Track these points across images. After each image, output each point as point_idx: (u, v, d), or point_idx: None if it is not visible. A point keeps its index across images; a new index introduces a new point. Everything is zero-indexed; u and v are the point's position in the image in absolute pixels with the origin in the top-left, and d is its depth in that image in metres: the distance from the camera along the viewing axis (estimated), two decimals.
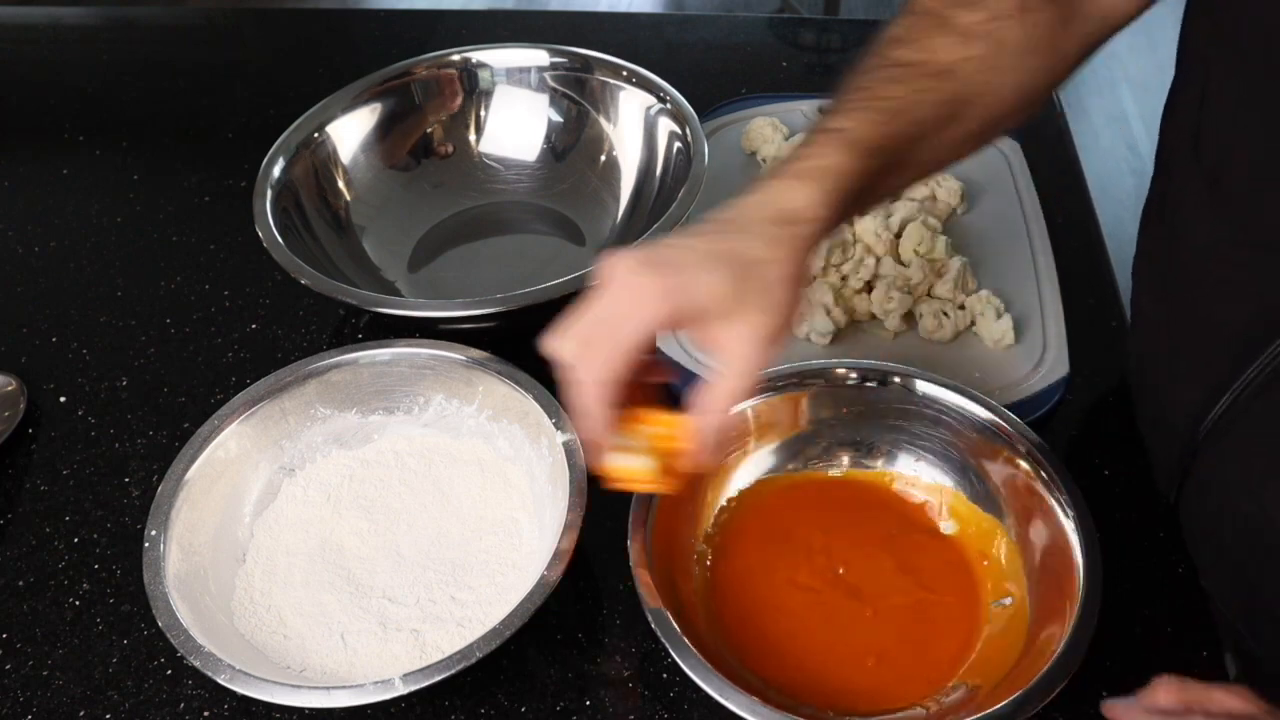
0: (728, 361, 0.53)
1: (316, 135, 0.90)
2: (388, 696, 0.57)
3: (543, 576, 0.60)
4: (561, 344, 0.54)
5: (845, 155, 0.55)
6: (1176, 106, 0.63)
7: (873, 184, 0.57)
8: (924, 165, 0.62)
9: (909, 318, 0.81)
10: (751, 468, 0.71)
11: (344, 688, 0.57)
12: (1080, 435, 0.76)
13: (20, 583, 0.71)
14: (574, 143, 0.95)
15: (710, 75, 1.09)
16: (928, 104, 0.58)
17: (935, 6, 0.61)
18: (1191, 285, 0.62)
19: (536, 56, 0.96)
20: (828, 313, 0.79)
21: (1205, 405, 0.60)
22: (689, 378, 0.78)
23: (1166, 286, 0.65)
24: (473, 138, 0.97)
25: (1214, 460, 0.61)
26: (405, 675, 0.57)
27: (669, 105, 0.90)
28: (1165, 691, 0.52)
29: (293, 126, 0.90)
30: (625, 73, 0.93)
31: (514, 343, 0.78)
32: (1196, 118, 0.59)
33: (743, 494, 0.70)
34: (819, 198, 0.54)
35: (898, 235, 0.84)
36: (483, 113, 0.97)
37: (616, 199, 0.93)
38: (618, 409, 0.54)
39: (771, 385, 0.70)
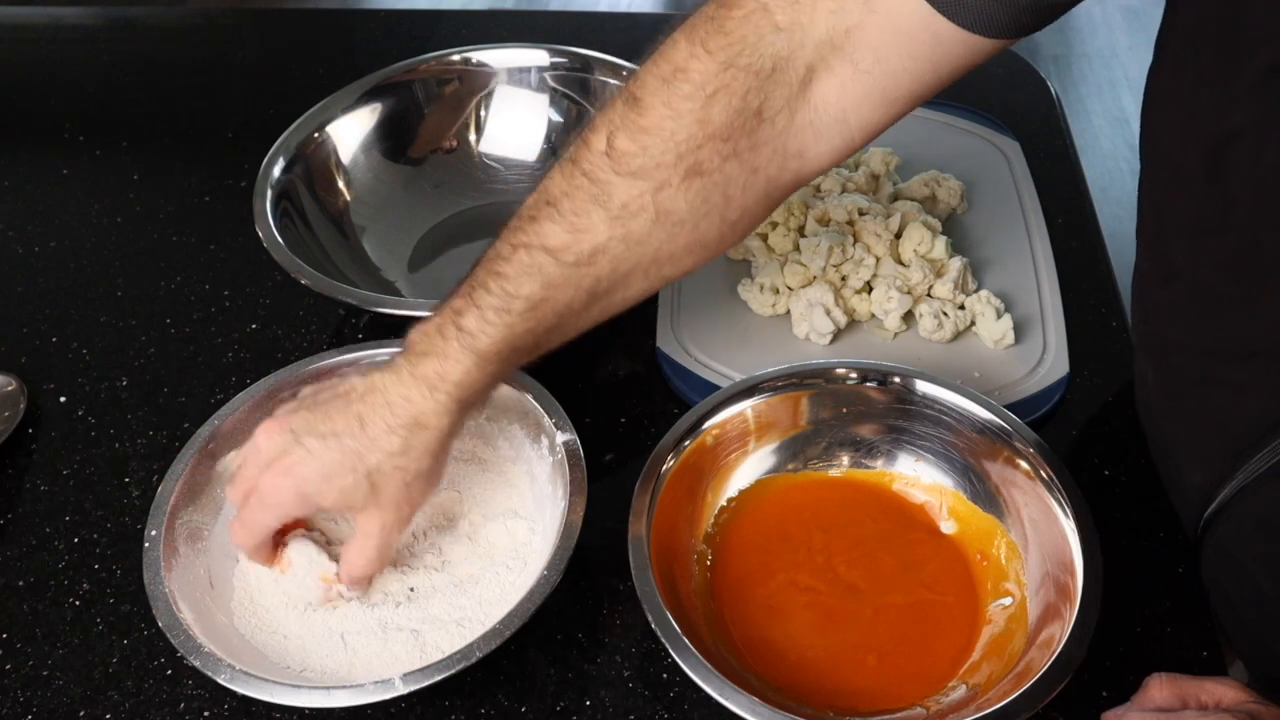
0: (359, 535, 0.61)
1: (316, 135, 0.90)
2: (388, 696, 0.57)
3: (542, 576, 0.60)
4: (229, 491, 0.63)
5: (472, 366, 0.58)
6: (1144, 207, 0.60)
7: (505, 372, 0.60)
8: (577, 332, 0.62)
9: (909, 318, 0.81)
10: (751, 468, 0.71)
11: (344, 688, 0.57)
12: (1080, 435, 0.76)
13: (20, 583, 0.71)
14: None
15: None
16: (568, 295, 0.58)
17: (595, 169, 0.57)
18: (1193, 379, 0.59)
19: (536, 56, 0.96)
20: (828, 313, 0.79)
21: (1212, 489, 0.58)
22: (689, 378, 0.78)
23: (1166, 380, 0.62)
24: (473, 138, 0.97)
25: (1223, 535, 0.59)
26: (405, 675, 0.57)
27: None
28: (1159, 687, 0.53)
29: (293, 126, 0.90)
30: (625, 73, 0.93)
31: None
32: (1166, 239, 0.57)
33: (743, 494, 0.70)
34: (445, 405, 0.58)
35: (898, 235, 0.84)
36: (483, 113, 0.97)
37: None
38: (272, 547, 0.64)
39: (771, 385, 0.70)
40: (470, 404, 0.60)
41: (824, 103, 0.56)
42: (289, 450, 0.59)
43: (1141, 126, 0.57)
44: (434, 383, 0.58)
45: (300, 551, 0.64)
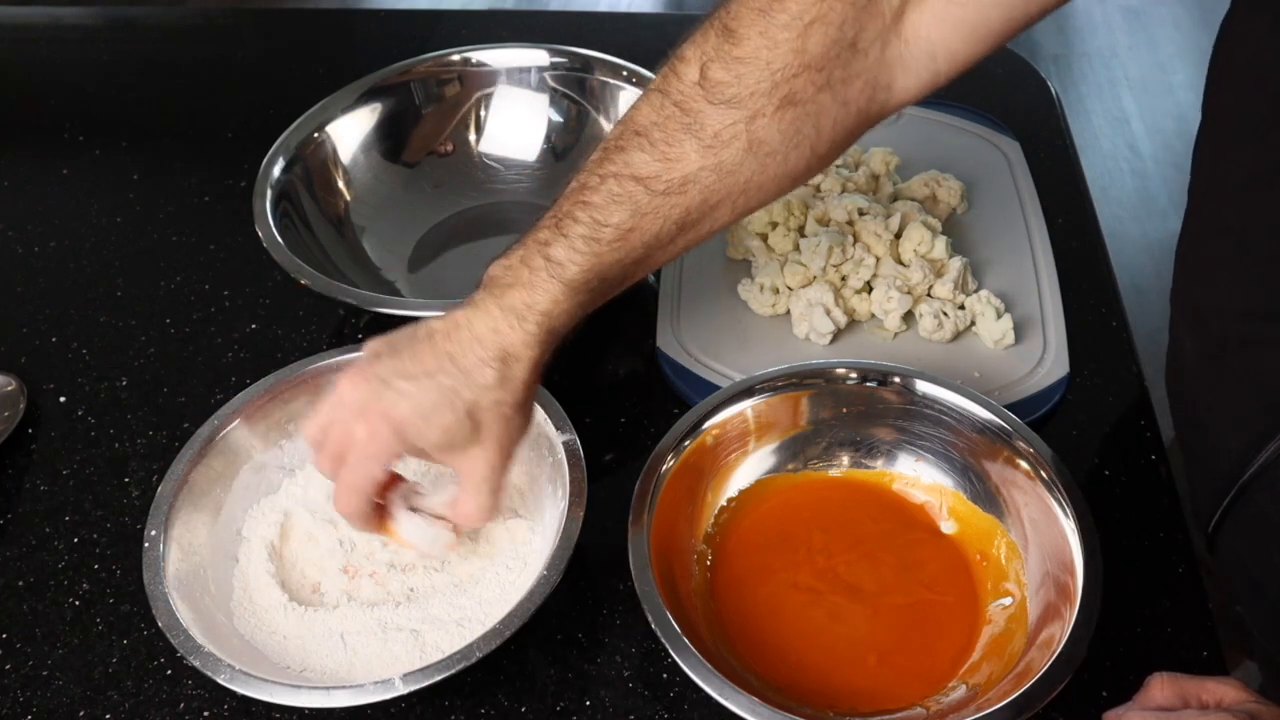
0: (469, 483, 0.60)
1: (316, 135, 0.90)
2: (388, 696, 0.57)
3: (542, 576, 0.60)
4: (319, 459, 0.60)
5: (560, 295, 0.57)
6: (1199, 164, 0.61)
7: (591, 304, 0.59)
8: (661, 263, 0.61)
9: (909, 318, 0.81)
10: (751, 468, 0.71)
11: (344, 688, 0.57)
12: (1080, 435, 0.76)
13: (20, 583, 0.71)
14: (574, 143, 0.95)
15: None
16: (656, 225, 0.58)
17: (687, 99, 0.57)
18: (1234, 343, 0.60)
19: (536, 56, 0.96)
20: (828, 313, 0.79)
21: (1249, 452, 0.59)
22: (689, 378, 0.78)
23: (1205, 345, 0.63)
24: (473, 138, 0.97)
25: (1258, 502, 0.60)
26: (405, 675, 0.57)
27: None
28: (1160, 687, 0.53)
29: (293, 126, 0.90)
30: (625, 73, 0.93)
31: None
32: (1219, 183, 0.58)
33: (743, 494, 0.70)
34: (534, 335, 0.57)
35: (898, 235, 0.84)
36: (483, 113, 0.97)
37: None
38: (373, 501, 0.61)
39: (771, 385, 0.70)
40: (558, 334, 0.59)
41: (915, 35, 0.57)
42: (379, 395, 0.57)
43: (1209, 77, 0.57)
44: (521, 313, 0.57)
45: (412, 525, 0.63)
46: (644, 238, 0.58)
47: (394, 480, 0.63)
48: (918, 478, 0.70)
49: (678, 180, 0.57)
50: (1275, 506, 0.58)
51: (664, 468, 0.65)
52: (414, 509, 0.63)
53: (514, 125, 0.97)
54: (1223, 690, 0.52)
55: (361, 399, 0.58)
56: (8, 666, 0.66)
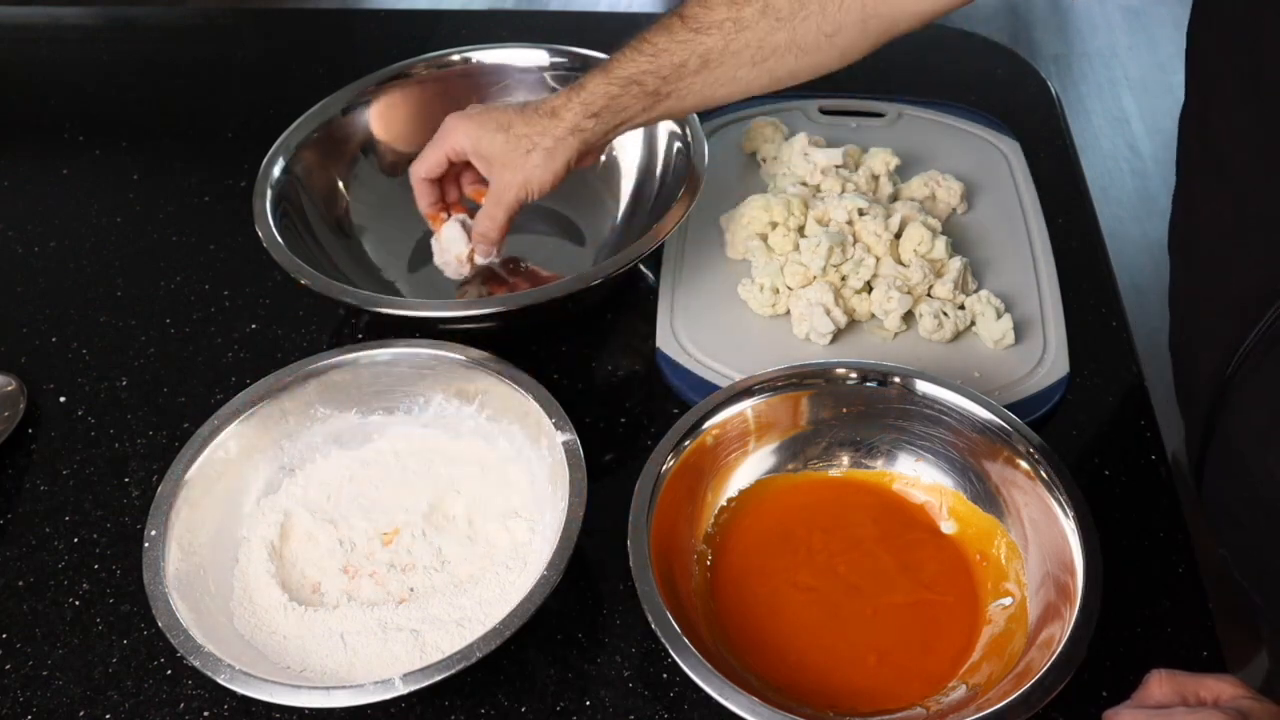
0: (491, 201, 0.79)
1: (316, 135, 0.90)
2: (388, 696, 0.57)
3: (543, 576, 0.60)
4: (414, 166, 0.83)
5: (603, 80, 0.75)
6: (1189, 106, 0.66)
7: (622, 107, 0.75)
8: (688, 100, 0.75)
9: (909, 318, 0.81)
10: (751, 468, 0.71)
11: (344, 688, 0.57)
12: (1080, 435, 0.76)
13: (20, 583, 0.71)
14: None
15: None
16: (684, 54, 0.73)
17: None
18: (1207, 256, 0.65)
19: (536, 56, 0.96)
20: (828, 313, 0.79)
21: (1223, 366, 0.62)
22: (689, 378, 0.78)
23: (1189, 257, 0.69)
24: None
25: (1230, 421, 0.63)
26: (405, 675, 0.57)
27: None
28: (1158, 684, 0.53)
29: (293, 126, 0.90)
30: None
31: (514, 343, 0.79)
32: (1204, 113, 0.62)
33: (743, 494, 0.70)
34: (578, 105, 0.75)
35: (898, 235, 0.84)
36: None
37: (616, 199, 0.93)
38: (437, 197, 0.84)
39: (771, 385, 0.70)
40: (595, 116, 0.75)
41: None
42: (484, 110, 0.79)
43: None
44: (571, 91, 0.76)
45: (452, 226, 0.84)
46: (673, 59, 0.73)
47: (459, 207, 0.85)
48: (918, 478, 0.70)
49: (705, 22, 0.72)
50: (1240, 423, 0.61)
51: (664, 468, 0.65)
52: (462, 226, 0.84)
53: None
54: (1221, 687, 0.52)
55: (465, 113, 0.80)
56: (8, 666, 0.66)
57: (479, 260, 0.84)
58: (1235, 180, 0.60)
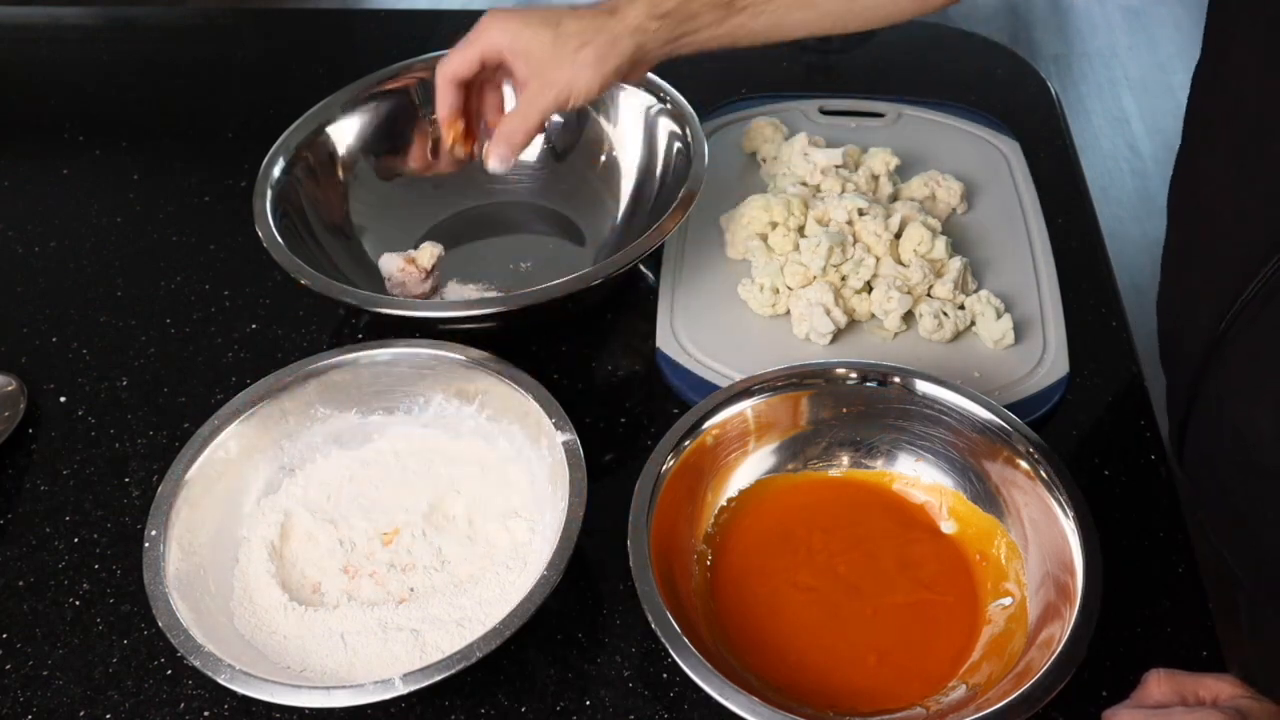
0: (528, 96, 0.72)
1: (316, 135, 0.90)
2: (388, 696, 0.57)
3: (543, 576, 0.60)
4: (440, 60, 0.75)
5: None
6: (1204, 58, 0.66)
7: (677, 27, 0.71)
8: (738, 30, 0.72)
9: (909, 318, 0.81)
10: (751, 468, 0.71)
11: (344, 688, 0.57)
12: (1080, 435, 0.76)
13: (20, 583, 0.71)
14: (574, 143, 0.95)
15: (710, 75, 1.09)
16: None
17: None
18: (1209, 209, 0.64)
19: None
20: (828, 313, 0.79)
21: (1213, 323, 0.62)
22: (689, 378, 0.78)
23: (1189, 212, 0.68)
24: None
25: (1220, 376, 0.62)
26: (405, 675, 0.57)
27: (669, 105, 0.90)
28: (1157, 683, 0.53)
29: (293, 126, 0.90)
30: None
31: (514, 343, 0.79)
32: (1219, 64, 0.63)
33: (743, 494, 0.70)
34: (645, 6, 0.70)
35: (898, 235, 0.84)
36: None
37: (616, 199, 0.93)
38: (459, 104, 0.77)
39: (771, 385, 0.70)
40: (662, 17, 0.70)
41: None
42: (528, 10, 0.72)
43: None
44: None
45: (387, 260, 0.81)
46: None
47: (473, 133, 0.80)
48: (918, 478, 0.70)
49: None
50: (1225, 379, 0.61)
51: (664, 468, 0.65)
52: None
53: None
54: (1219, 686, 0.52)
55: (508, 11, 0.73)
56: (8, 666, 0.66)
57: (493, 167, 0.75)
58: (1243, 131, 0.59)
